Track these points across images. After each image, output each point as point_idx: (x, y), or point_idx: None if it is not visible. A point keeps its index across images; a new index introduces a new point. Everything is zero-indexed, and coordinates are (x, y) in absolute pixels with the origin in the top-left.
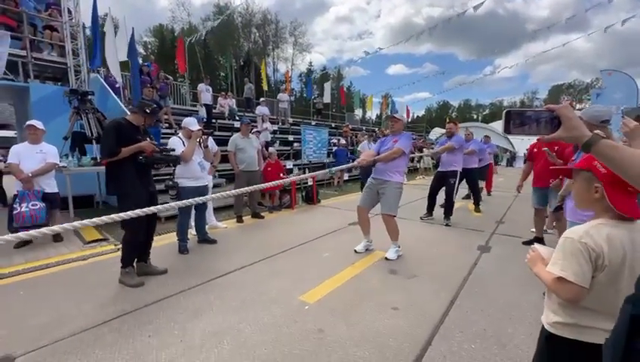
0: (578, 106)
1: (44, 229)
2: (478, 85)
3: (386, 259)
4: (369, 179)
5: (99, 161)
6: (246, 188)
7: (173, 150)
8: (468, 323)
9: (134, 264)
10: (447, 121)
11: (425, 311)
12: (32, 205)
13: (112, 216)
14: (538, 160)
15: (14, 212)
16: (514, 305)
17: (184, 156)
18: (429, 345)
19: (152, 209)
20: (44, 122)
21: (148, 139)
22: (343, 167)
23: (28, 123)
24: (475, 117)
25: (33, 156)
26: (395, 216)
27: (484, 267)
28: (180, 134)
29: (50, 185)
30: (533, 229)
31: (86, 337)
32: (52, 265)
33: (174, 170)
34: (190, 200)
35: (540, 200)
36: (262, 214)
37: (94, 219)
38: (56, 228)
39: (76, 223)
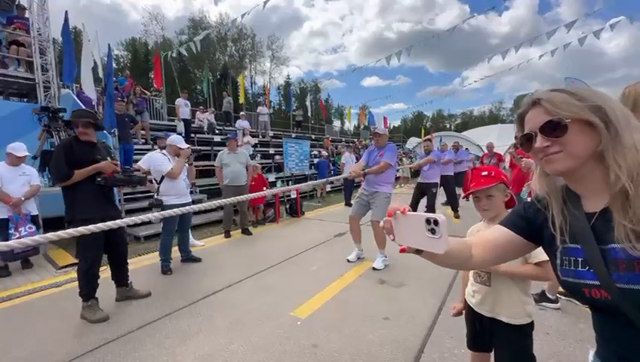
0: None
1: None
2: (449, 96)
3: (374, 268)
4: (359, 190)
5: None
6: (232, 198)
7: (138, 170)
8: (457, 328)
9: (97, 296)
10: (424, 135)
11: (415, 319)
12: (29, 228)
13: (68, 231)
14: (514, 167)
15: (13, 238)
16: None
17: (173, 173)
18: (421, 353)
19: (118, 222)
20: (10, 141)
21: (109, 158)
22: (338, 177)
23: (7, 151)
24: (448, 126)
25: (17, 178)
26: None
27: None
28: (165, 151)
29: (34, 207)
30: None
31: None
32: (23, 294)
33: (159, 187)
34: (163, 212)
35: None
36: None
37: (60, 233)
38: (12, 242)
39: (37, 237)
